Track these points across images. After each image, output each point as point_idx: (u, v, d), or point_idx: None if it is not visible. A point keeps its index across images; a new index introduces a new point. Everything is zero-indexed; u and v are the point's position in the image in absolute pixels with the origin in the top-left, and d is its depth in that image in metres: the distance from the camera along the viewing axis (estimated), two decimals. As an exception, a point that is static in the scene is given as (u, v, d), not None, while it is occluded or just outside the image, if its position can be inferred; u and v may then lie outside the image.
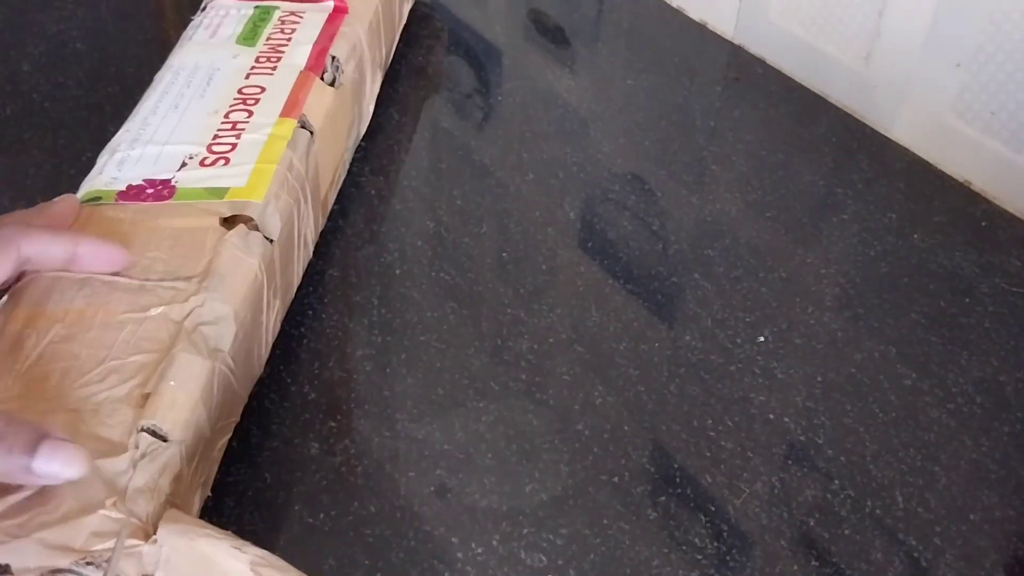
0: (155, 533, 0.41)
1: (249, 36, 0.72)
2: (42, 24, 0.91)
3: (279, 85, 0.67)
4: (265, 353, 0.58)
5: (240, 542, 0.41)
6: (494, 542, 0.51)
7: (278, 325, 0.60)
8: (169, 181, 0.58)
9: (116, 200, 0.57)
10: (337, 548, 0.51)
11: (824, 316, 0.65)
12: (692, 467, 0.56)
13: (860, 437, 0.57)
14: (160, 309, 0.49)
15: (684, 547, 0.52)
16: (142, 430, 0.45)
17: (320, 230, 0.68)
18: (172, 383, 0.46)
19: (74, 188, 0.72)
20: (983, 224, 0.73)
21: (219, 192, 0.57)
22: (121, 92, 0.82)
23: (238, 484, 0.54)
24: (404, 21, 0.88)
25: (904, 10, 0.76)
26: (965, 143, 0.75)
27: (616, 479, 0.55)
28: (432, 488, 0.54)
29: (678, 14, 0.97)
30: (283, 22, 0.74)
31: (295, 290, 0.63)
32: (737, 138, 0.81)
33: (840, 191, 0.76)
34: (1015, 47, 0.69)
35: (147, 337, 0.48)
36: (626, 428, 0.57)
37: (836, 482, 0.55)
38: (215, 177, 0.58)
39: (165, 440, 0.45)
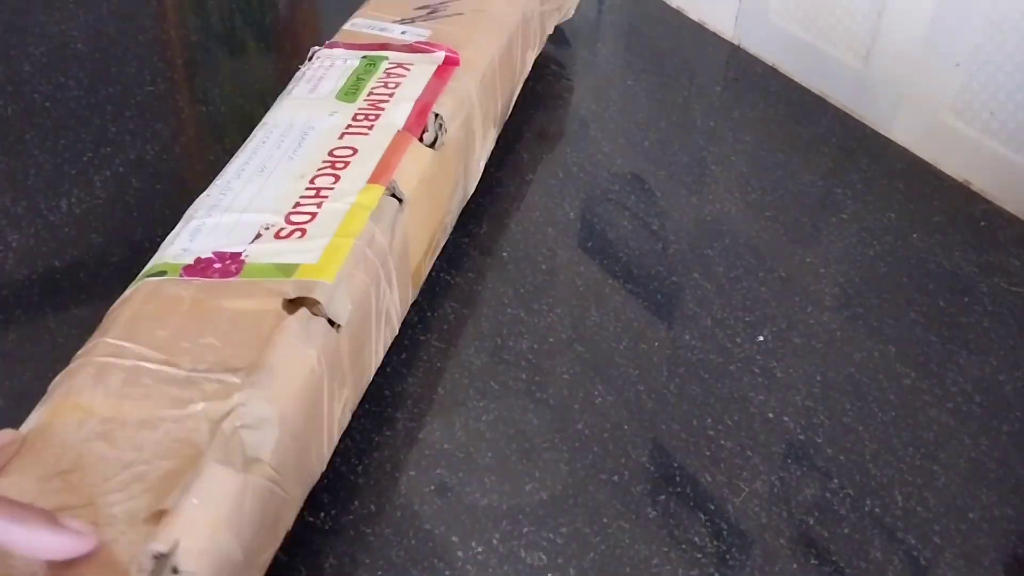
0: None
1: (350, 91, 0.65)
2: (43, 25, 0.91)
3: (372, 147, 0.60)
4: (328, 450, 0.51)
5: None
6: (494, 541, 0.51)
7: (347, 416, 0.53)
8: (239, 255, 0.52)
9: (181, 275, 0.51)
10: (337, 547, 0.51)
11: (823, 316, 0.65)
12: (692, 466, 0.56)
13: (859, 436, 0.57)
14: (200, 406, 0.44)
15: (684, 546, 0.52)
16: (154, 556, 0.39)
17: (410, 303, 0.61)
18: (194, 500, 0.40)
19: (76, 187, 0.72)
20: (982, 224, 0.73)
21: (288, 269, 0.51)
22: (122, 92, 0.83)
23: (239, 483, 0.54)
24: (528, 70, 0.80)
25: (903, 10, 0.76)
26: (964, 143, 0.75)
27: (616, 478, 0.55)
28: (432, 487, 0.54)
29: (678, 14, 0.97)
30: (388, 75, 0.66)
31: (372, 373, 0.56)
32: (736, 138, 0.81)
33: (839, 191, 0.76)
34: (1014, 47, 0.69)
35: (181, 439, 0.43)
36: (626, 427, 0.58)
37: (835, 481, 0.55)
38: (287, 252, 0.52)
39: (176, 572, 0.39)
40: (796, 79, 0.87)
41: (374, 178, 0.57)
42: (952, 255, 0.70)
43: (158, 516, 0.40)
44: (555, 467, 0.55)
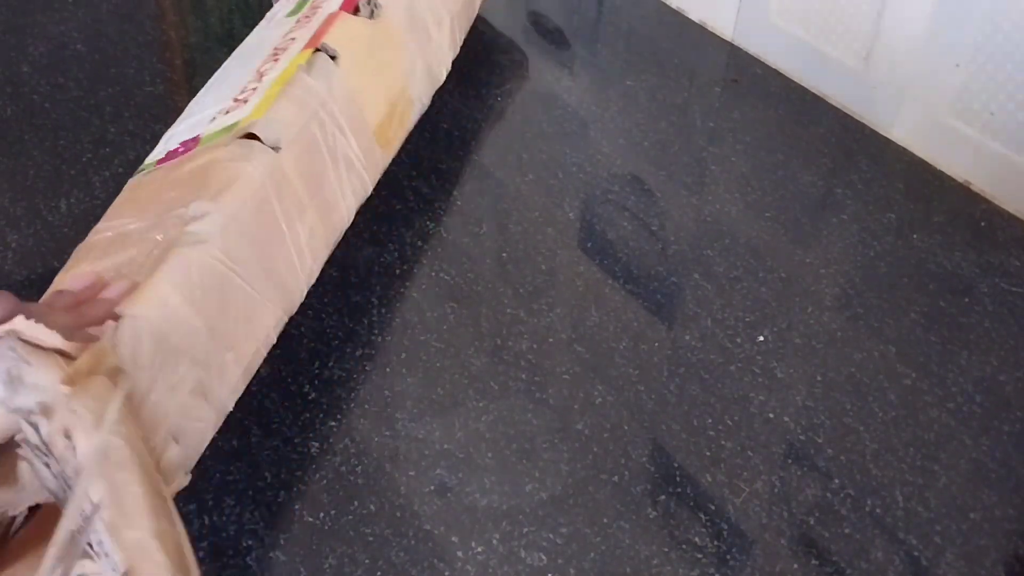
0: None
1: (296, 9, 0.74)
2: (42, 26, 0.91)
3: (309, 30, 0.68)
4: (303, 273, 0.57)
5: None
6: (494, 541, 0.51)
7: (322, 246, 0.59)
8: (197, 137, 0.61)
9: (155, 167, 0.60)
10: (337, 547, 0.51)
11: (824, 316, 0.65)
12: (692, 466, 0.56)
13: (860, 436, 0.57)
14: (162, 235, 0.52)
15: (684, 546, 0.52)
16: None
17: (382, 166, 0.66)
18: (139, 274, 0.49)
19: (75, 187, 0.72)
20: (982, 224, 0.73)
21: (231, 128, 0.59)
22: (121, 93, 0.83)
23: (238, 483, 0.54)
24: None
25: (903, 11, 0.76)
26: (964, 143, 0.75)
27: (616, 478, 0.55)
28: (432, 487, 0.54)
29: (678, 15, 0.97)
30: None
31: (344, 215, 0.61)
32: (736, 139, 0.81)
33: (839, 191, 0.76)
34: (1014, 47, 0.69)
35: (153, 248, 0.51)
36: (626, 427, 0.57)
37: (836, 481, 0.55)
38: (231, 118, 0.61)
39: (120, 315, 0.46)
40: (796, 80, 0.87)
41: (306, 47, 0.65)
42: (952, 255, 0.70)
43: None
44: (555, 467, 0.55)
